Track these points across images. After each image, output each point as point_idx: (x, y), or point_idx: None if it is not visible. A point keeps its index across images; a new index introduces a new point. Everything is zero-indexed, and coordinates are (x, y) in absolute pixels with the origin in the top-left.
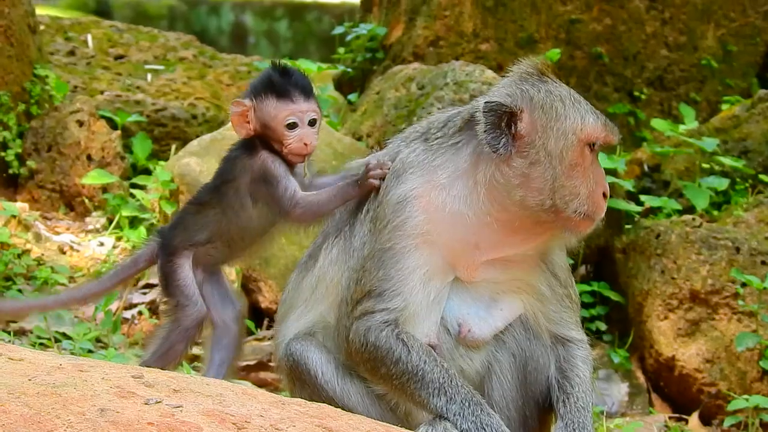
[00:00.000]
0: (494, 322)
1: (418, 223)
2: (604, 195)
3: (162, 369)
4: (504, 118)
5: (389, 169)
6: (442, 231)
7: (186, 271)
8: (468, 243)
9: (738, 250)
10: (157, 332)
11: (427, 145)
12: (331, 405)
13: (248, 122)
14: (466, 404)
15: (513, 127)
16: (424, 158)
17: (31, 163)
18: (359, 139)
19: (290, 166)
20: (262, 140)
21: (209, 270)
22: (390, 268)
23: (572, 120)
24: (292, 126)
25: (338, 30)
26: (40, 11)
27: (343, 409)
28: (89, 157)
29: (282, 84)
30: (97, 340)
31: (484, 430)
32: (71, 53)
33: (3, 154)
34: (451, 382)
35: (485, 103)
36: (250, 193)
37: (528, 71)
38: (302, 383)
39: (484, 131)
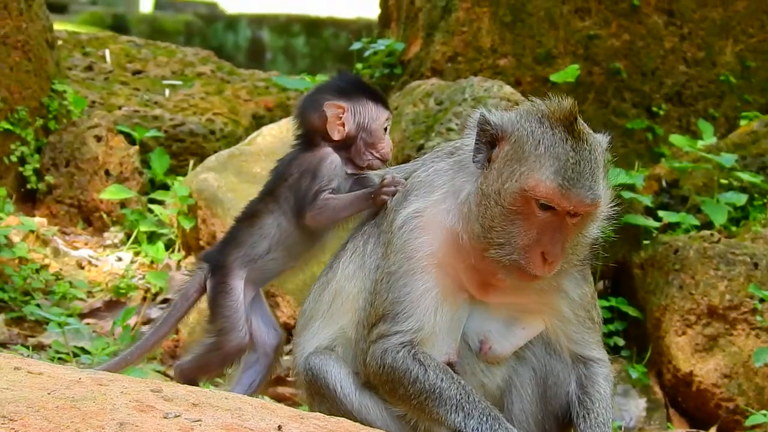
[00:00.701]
0: (515, 340)
1: (420, 245)
2: (545, 257)
3: (193, 378)
4: (486, 136)
5: (402, 186)
6: (445, 251)
7: (237, 294)
8: (467, 265)
9: (756, 265)
10: (198, 344)
11: (445, 164)
12: (349, 419)
13: (342, 125)
14: (484, 419)
15: (493, 150)
16: (433, 178)
17: (49, 178)
18: None
19: (359, 169)
20: (332, 143)
21: (256, 289)
22: (399, 291)
23: (528, 168)
24: (386, 130)
25: (356, 46)
26: (57, 26)
27: (362, 423)
28: (107, 173)
29: (373, 89)
30: (116, 354)
31: None
32: (89, 68)
33: (21, 169)
34: (468, 398)
35: (480, 114)
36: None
37: (544, 110)
38: (321, 397)
39: (474, 140)
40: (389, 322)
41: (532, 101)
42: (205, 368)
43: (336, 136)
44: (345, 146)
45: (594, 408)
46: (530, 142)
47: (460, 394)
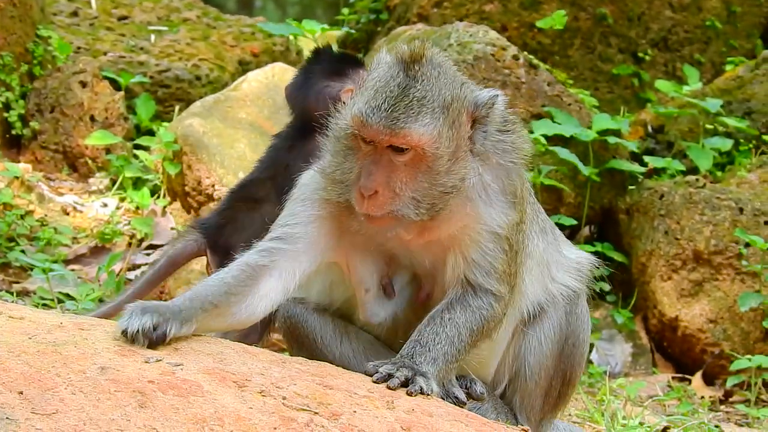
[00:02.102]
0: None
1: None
2: (362, 194)
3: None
4: None
5: None
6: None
7: None
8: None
9: (741, 210)
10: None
11: None
12: None
13: None
14: None
15: None
16: None
17: (34, 124)
18: None
19: None
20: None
21: None
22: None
23: (352, 102)
24: None
25: None
26: None
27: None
28: (92, 118)
29: (355, 55)
30: (100, 300)
31: None
32: (74, 14)
33: (6, 115)
34: None
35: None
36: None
37: (396, 52)
38: (300, 345)
39: None
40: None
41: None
42: (246, 339)
43: None
44: None
45: (426, 327)
46: (366, 81)
47: None
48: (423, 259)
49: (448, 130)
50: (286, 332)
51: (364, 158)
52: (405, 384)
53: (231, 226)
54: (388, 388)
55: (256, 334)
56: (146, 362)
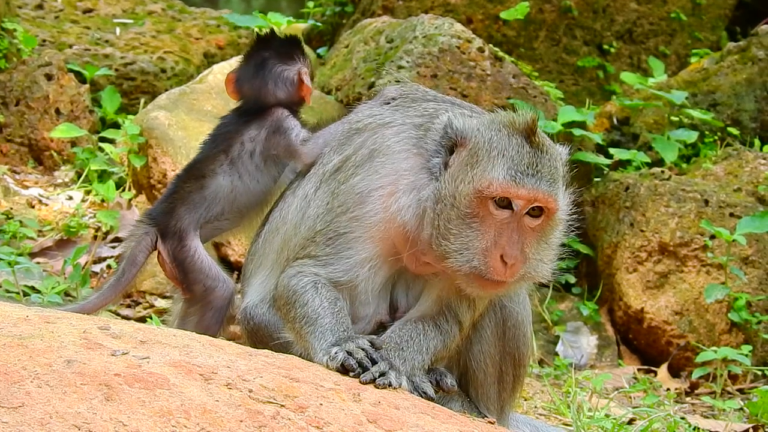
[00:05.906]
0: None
1: (376, 221)
2: (503, 260)
3: None
4: (447, 140)
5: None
6: (394, 233)
7: (202, 251)
8: (414, 252)
9: (707, 202)
10: (186, 320)
11: (412, 136)
12: None
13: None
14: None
15: (451, 156)
16: (400, 153)
17: None
18: (328, 92)
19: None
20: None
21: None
22: (341, 250)
23: (481, 169)
24: None
25: None
26: None
27: None
28: (58, 111)
29: (300, 40)
30: (66, 293)
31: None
32: (39, 7)
33: None
34: (340, 327)
35: (447, 117)
36: (263, 149)
37: (504, 120)
38: (265, 346)
39: (434, 145)
40: (318, 266)
41: (495, 112)
42: (207, 331)
43: (309, 100)
44: (298, 103)
45: (401, 329)
46: (485, 147)
47: (334, 324)
48: (437, 286)
49: (565, 197)
50: (249, 333)
51: (500, 225)
52: (381, 376)
53: (182, 207)
54: (361, 382)
55: (217, 325)
56: (112, 355)
